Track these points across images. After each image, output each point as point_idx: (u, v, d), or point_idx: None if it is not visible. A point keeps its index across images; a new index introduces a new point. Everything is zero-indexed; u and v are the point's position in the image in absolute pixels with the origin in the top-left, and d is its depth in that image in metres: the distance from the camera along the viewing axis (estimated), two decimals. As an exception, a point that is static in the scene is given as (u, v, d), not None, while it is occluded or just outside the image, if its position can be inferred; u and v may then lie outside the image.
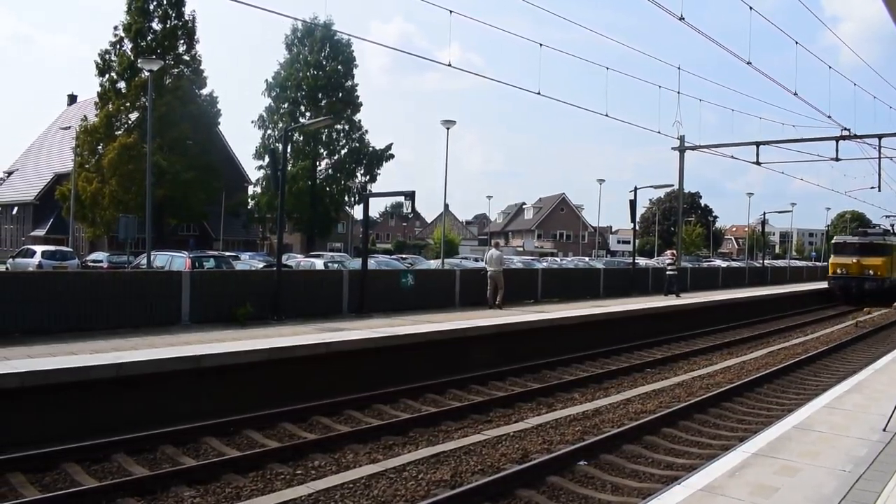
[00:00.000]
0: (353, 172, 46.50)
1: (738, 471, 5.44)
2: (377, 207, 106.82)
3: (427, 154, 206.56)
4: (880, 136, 27.22)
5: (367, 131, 46.36)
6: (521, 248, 76.29)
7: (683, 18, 12.74)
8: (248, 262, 27.93)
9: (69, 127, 41.87)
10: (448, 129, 31.01)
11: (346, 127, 45.56)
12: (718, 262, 51.81)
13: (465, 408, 9.84)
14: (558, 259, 54.09)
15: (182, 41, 39.94)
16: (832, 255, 33.28)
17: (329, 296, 15.39)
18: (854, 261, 30.79)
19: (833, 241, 34.95)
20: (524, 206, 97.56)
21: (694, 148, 30.90)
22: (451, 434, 8.61)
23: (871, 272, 30.17)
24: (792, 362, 14.20)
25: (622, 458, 7.75)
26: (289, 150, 35.90)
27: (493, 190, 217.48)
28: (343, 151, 46.00)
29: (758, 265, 43.34)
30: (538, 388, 11.29)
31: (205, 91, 41.64)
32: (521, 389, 11.28)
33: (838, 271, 31.40)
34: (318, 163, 45.74)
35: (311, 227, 46.40)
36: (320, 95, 44.82)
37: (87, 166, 38.30)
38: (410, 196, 16.05)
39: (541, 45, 15.81)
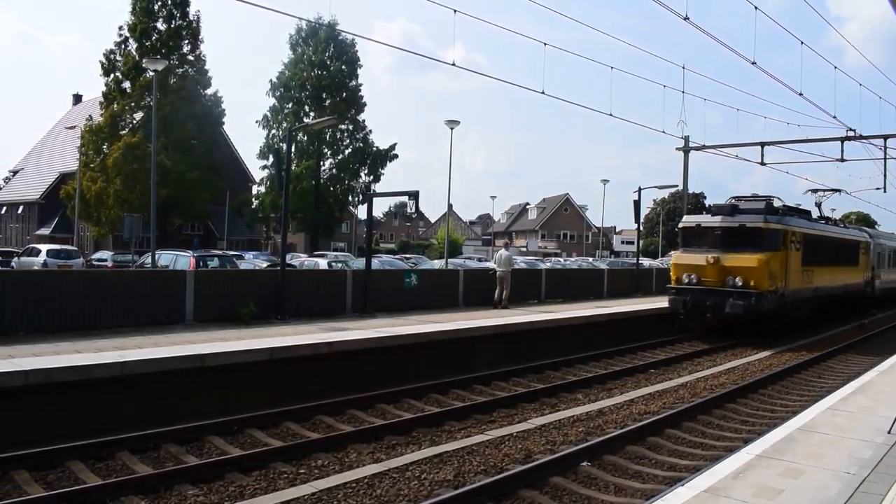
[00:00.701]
0: (357, 172, 46.54)
1: (741, 472, 5.43)
2: (381, 207, 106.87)
3: (431, 154, 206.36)
4: (886, 137, 27.10)
5: (370, 131, 46.46)
6: (525, 249, 76.27)
7: (688, 18, 12.71)
8: (252, 261, 28.03)
9: (74, 126, 42.01)
10: (452, 129, 31.02)
11: (350, 127, 45.60)
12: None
13: (469, 408, 9.84)
14: (562, 259, 54.09)
15: (186, 41, 40.04)
16: (679, 250, 19.18)
17: (332, 295, 15.41)
18: (710, 259, 17.25)
19: (681, 225, 19.39)
20: (528, 207, 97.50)
21: (698, 148, 30.87)
22: (454, 434, 8.61)
23: (738, 281, 16.86)
24: (796, 363, 14.16)
25: (625, 458, 7.74)
26: (293, 149, 35.97)
27: (497, 190, 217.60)
28: (347, 151, 46.04)
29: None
30: (541, 389, 11.28)
31: (209, 91, 41.82)
32: (525, 390, 11.27)
33: (685, 279, 17.86)
34: (321, 162, 45.76)
35: (314, 227, 46.44)
36: (324, 95, 44.86)
37: (91, 166, 38.43)
38: (414, 196, 16.04)
39: (545, 44, 15.89)
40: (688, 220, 19.48)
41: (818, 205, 24.05)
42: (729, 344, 16.98)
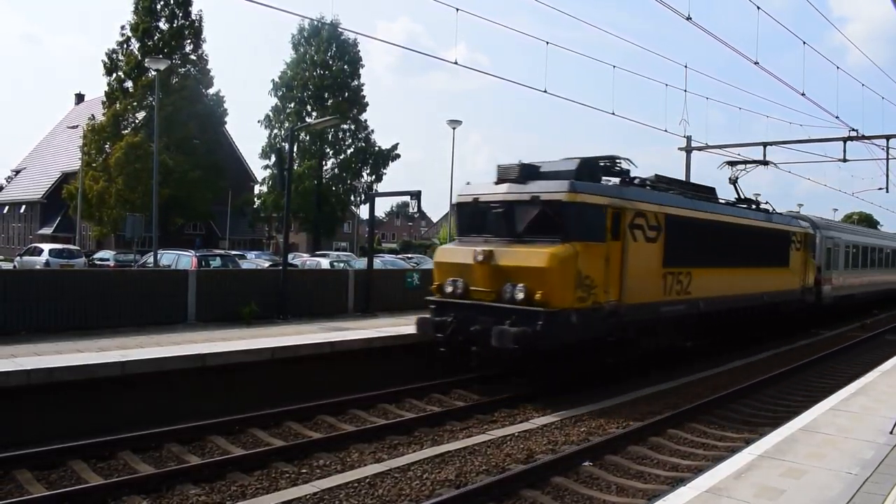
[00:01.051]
0: (359, 172, 46.56)
1: (743, 472, 5.42)
2: (383, 207, 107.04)
3: (433, 154, 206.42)
4: (888, 137, 27.03)
5: (373, 131, 46.45)
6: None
7: (691, 18, 12.67)
8: (254, 261, 28.06)
9: (77, 126, 42.07)
10: (454, 128, 31.05)
11: (353, 126, 45.60)
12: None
13: (470, 408, 9.84)
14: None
15: (189, 41, 40.13)
16: (455, 241, 12.73)
17: (334, 295, 15.42)
18: (479, 256, 10.56)
19: (456, 201, 12.28)
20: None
21: (701, 148, 30.85)
22: (455, 434, 8.61)
23: (518, 292, 10.05)
24: (798, 364, 14.12)
25: (627, 459, 7.73)
26: (295, 149, 35.94)
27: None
28: (349, 151, 46.06)
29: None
30: (543, 388, 11.25)
31: (211, 90, 41.87)
32: (527, 389, 11.24)
33: (447, 287, 11.12)
34: (324, 162, 45.78)
35: (316, 227, 46.45)
36: (326, 95, 44.88)
37: (94, 165, 38.50)
38: (416, 196, 16.03)
39: (547, 43, 15.85)
40: (464, 192, 12.07)
41: (734, 181, 17.83)
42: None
